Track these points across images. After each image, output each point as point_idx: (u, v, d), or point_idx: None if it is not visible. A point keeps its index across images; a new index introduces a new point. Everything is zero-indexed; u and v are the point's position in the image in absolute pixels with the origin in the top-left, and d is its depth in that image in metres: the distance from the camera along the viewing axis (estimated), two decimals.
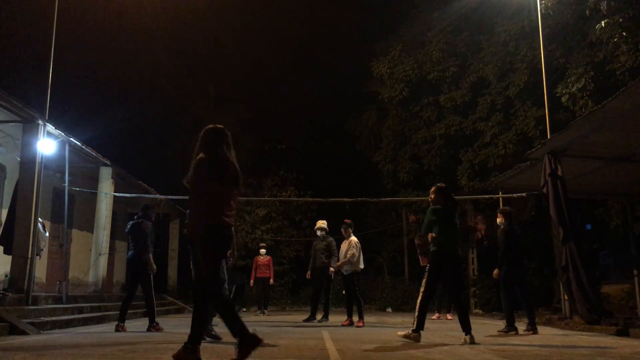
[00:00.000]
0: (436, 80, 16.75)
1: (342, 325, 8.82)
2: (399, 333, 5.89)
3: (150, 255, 7.73)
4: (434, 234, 5.96)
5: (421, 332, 5.80)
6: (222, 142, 4.29)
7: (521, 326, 7.51)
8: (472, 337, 5.73)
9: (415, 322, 5.79)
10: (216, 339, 5.81)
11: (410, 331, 5.81)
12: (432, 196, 6.28)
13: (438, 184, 6.52)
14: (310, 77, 27.48)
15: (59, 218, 11.66)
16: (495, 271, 7.61)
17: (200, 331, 4.14)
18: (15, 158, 9.29)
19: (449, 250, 5.97)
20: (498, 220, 7.91)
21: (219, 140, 4.29)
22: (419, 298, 5.91)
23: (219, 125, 4.40)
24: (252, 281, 13.87)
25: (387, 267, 20.42)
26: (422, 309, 5.82)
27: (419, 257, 12.02)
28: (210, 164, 4.15)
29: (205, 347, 5.05)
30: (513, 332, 7.19)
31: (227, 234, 4.19)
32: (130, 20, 20.83)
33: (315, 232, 10.37)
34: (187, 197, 4.58)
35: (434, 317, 11.03)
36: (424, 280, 5.99)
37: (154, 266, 7.80)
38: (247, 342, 3.86)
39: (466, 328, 5.80)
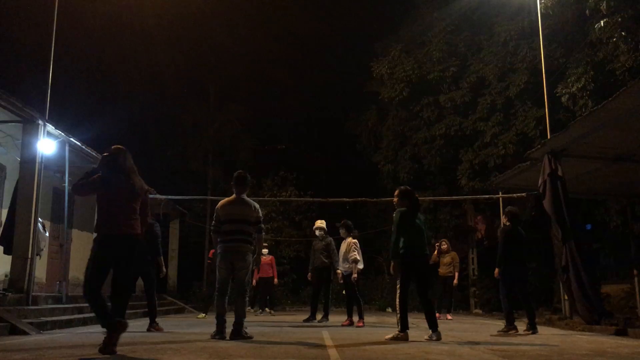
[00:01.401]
0: (436, 80, 16.75)
1: (342, 325, 8.81)
2: (386, 337, 6.00)
3: (162, 258, 7.76)
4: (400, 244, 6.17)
5: (407, 331, 5.99)
6: (109, 160, 4.94)
7: (521, 326, 7.51)
8: (438, 334, 5.96)
9: (399, 323, 6.04)
10: (248, 338, 5.87)
11: (397, 332, 6.01)
12: (396, 199, 6.46)
13: (401, 187, 6.65)
14: (310, 77, 27.49)
15: (59, 218, 11.64)
16: (496, 270, 7.63)
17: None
18: (15, 158, 9.28)
19: (417, 252, 6.18)
20: (502, 220, 7.94)
21: (107, 161, 4.92)
22: (397, 300, 6.21)
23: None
24: (254, 281, 13.85)
25: (387, 267, 20.35)
26: (401, 309, 6.10)
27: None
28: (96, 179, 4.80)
29: (205, 346, 5.05)
30: (513, 331, 7.19)
31: (111, 244, 4.66)
32: (130, 20, 20.81)
33: (314, 232, 10.36)
34: (187, 197, 4.69)
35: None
36: (397, 282, 6.26)
37: (165, 269, 7.81)
38: (113, 327, 4.35)
39: (433, 325, 6.05)
